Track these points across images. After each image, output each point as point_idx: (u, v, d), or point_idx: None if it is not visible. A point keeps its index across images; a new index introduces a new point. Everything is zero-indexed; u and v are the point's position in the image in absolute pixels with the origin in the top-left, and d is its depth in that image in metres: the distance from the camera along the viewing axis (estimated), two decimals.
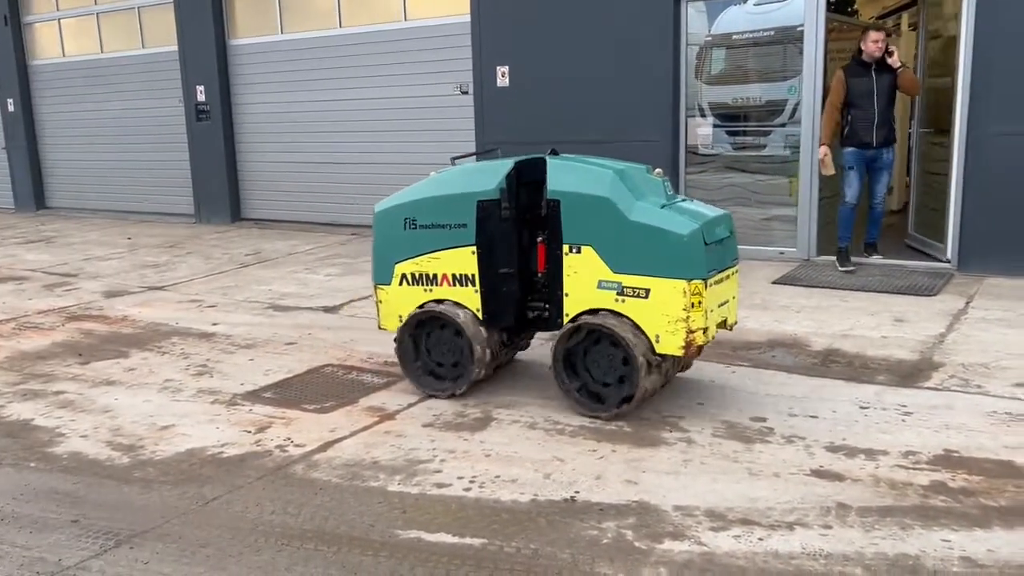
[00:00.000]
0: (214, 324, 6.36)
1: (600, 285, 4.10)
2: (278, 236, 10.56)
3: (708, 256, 3.96)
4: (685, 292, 3.92)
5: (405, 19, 9.94)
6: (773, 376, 4.81)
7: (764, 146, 8.23)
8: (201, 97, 11.56)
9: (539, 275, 4.44)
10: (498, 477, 3.63)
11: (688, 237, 3.91)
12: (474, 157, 8.77)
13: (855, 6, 11.19)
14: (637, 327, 4.04)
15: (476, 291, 4.41)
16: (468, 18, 9.07)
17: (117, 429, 4.34)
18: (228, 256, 9.32)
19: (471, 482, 3.59)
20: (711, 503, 3.34)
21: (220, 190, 11.72)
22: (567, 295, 4.22)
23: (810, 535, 3.07)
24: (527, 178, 4.39)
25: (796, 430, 4.02)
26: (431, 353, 4.62)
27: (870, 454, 3.71)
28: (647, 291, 4.00)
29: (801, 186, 7.72)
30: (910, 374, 4.72)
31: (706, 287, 3.95)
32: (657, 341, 4.02)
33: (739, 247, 6.94)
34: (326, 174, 10.90)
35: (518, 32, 8.76)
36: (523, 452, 3.88)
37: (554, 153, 4.42)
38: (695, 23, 8.21)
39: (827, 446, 3.83)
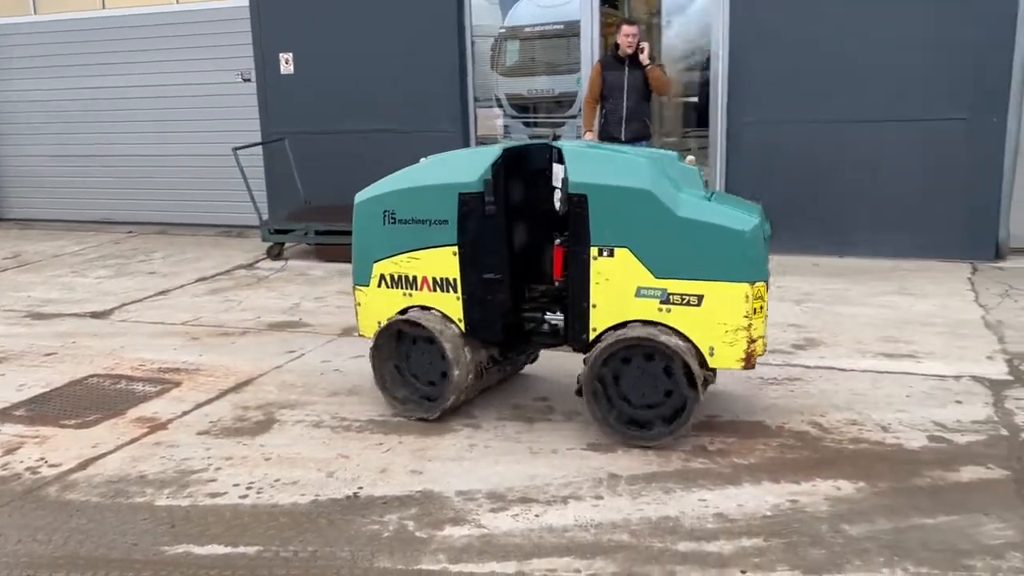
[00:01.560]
0: None
1: (639, 293, 3.55)
2: (43, 236, 9.62)
3: (767, 255, 3.56)
4: (747, 297, 3.43)
5: (176, 1, 9.34)
6: (564, 357, 4.96)
7: (559, 136, 8.50)
8: None
9: (554, 283, 3.86)
10: (278, 481, 3.50)
11: (749, 234, 3.44)
12: (260, 147, 8.52)
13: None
14: (687, 340, 3.55)
15: (458, 298, 3.86)
16: (246, 2, 8.65)
17: None
18: None
19: (248, 488, 3.44)
20: (493, 485, 3.40)
21: None
22: (595, 306, 3.63)
23: (583, 507, 3.21)
24: (527, 168, 3.90)
25: (576, 407, 4.17)
26: (410, 367, 4.07)
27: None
28: (700, 297, 3.47)
29: None
30: None
31: (767, 289, 3.54)
32: (711, 354, 3.53)
33: None
34: (97, 168, 10.06)
35: (301, 18, 8.47)
36: (306, 452, 3.77)
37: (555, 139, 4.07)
38: (488, 15, 8.32)
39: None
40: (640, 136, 7.09)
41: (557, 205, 3.74)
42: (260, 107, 8.84)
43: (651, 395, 3.63)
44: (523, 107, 8.90)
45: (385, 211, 3.93)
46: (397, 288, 4.00)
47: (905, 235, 6.83)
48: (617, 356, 3.63)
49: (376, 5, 8.15)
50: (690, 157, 3.89)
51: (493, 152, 3.77)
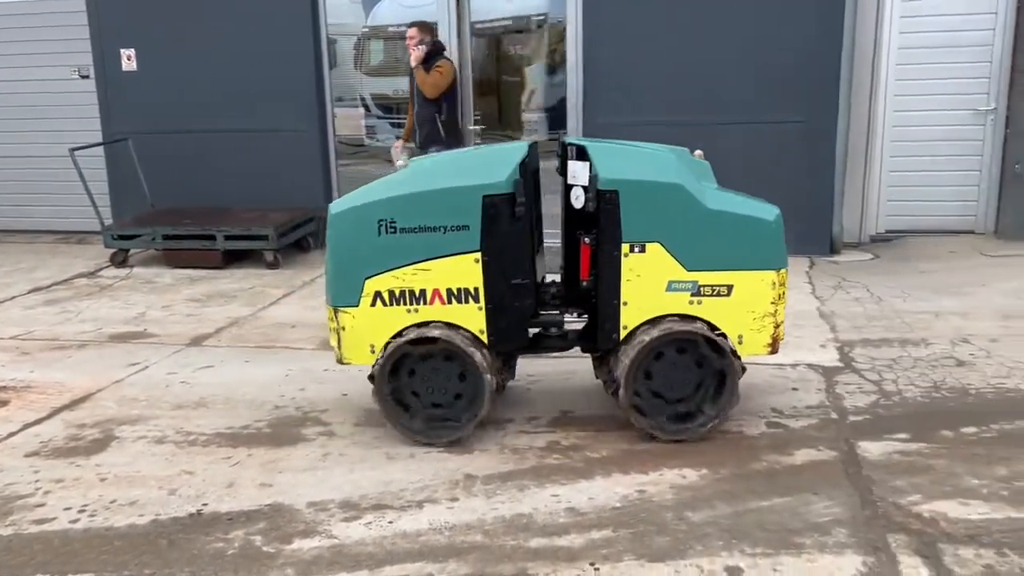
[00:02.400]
0: None
1: (670, 287, 3.56)
2: None
3: None
4: (775, 283, 3.58)
5: None
6: None
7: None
8: None
9: (582, 283, 3.68)
10: (114, 502, 3.29)
11: (775, 222, 3.58)
12: (102, 148, 8.03)
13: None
14: (716, 330, 3.60)
15: (480, 308, 3.62)
16: None
17: None
18: None
19: (80, 512, 3.22)
20: (346, 494, 3.33)
21: None
22: (625, 304, 3.57)
23: (438, 510, 3.19)
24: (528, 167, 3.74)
25: None
26: (416, 391, 3.74)
27: (499, 424, 3.94)
28: (730, 287, 3.55)
29: None
30: None
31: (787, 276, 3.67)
32: (740, 342, 3.61)
33: None
34: None
35: (144, 12, 8.03)
36: (147, 470, 3.57)
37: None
38: (350, 13, 8.15)
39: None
40: (431, 140, 6.89)
41: (578, 204, 3.62)
42: (100, 106, 8.33)
43: (684, 387, 3.66)
44: (389, 107, 8.77)
45: (381, 220, 3.56)
46: (399, 304, 3.63)
47: None
48: (652, 353, 3.59)
49: (225, 1, 7.84)
50: (698, 151, 3.88)
51: (518, 150, 3.61)
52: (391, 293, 3.63)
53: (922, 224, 7.51)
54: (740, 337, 3.62)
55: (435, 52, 6.92)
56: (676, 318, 3.59)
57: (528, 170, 3.64)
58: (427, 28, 7.02)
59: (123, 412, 4.20)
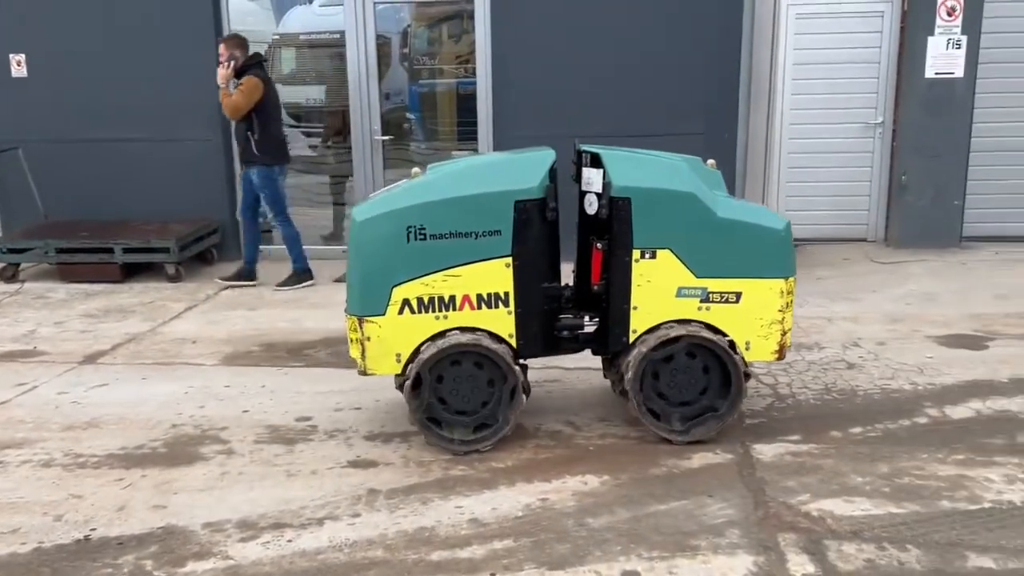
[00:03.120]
0: None
1: (680, 293, 3.64)
2: None
3: None
4: (783, 292, 3.65)
5: None
6: (327, 373, 4.86)
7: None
8: None
9: (594, 287, 3.73)
10: None
11: (784, 232, 3.65)
12: None
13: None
14: (724, 336, 3.66)
15: (510, 312, 3.64)
16: None
17: None
18: None
19: None
20: (244, 513, 3.25)
21: None
22: (635, 308, 3.66)
23: (339, 527, 3.14)
24: None
25: (339, 424, 4.11)
26: (444, 399, 3.74)
27: (404, 437, 3.92)
28: (738, 295, 3.64)
29: (357, 188, 7.94)
30: None
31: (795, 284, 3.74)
32: (747, 348, 3.69)
33: (307, 247, 7.00)
34: None
35: (34, 16, 7.69)
36: (32, 496, 3.41)
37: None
38: (261, 20, 7.98)
39: (366, 435, 3.97)
40: (245, 160, 6.69)
41: (591, 210, 3.67)
42: None
43: (691, 391, 3.74)
44: (299, 116, 8.63)
45: (410, 227, 3.56)
46: (427, 312, 3.64)
47: None
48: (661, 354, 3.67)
49: (123, 5, 7.57)
50: (711, 161, 3.96)
51: (547, 157, 3.66)
52: (420, 300, 3.64)
53: (818, 232, 7.84)
54: (748, 343, 3.70)
55: (245, 68, 6.50)
56: (678, 324, 3.67)
57: (556, 176, 3.70)
58: (237, 43, 6.57)
59: (7, 435, 4.00)
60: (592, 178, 3.68)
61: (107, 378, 4.80)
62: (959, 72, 7.27)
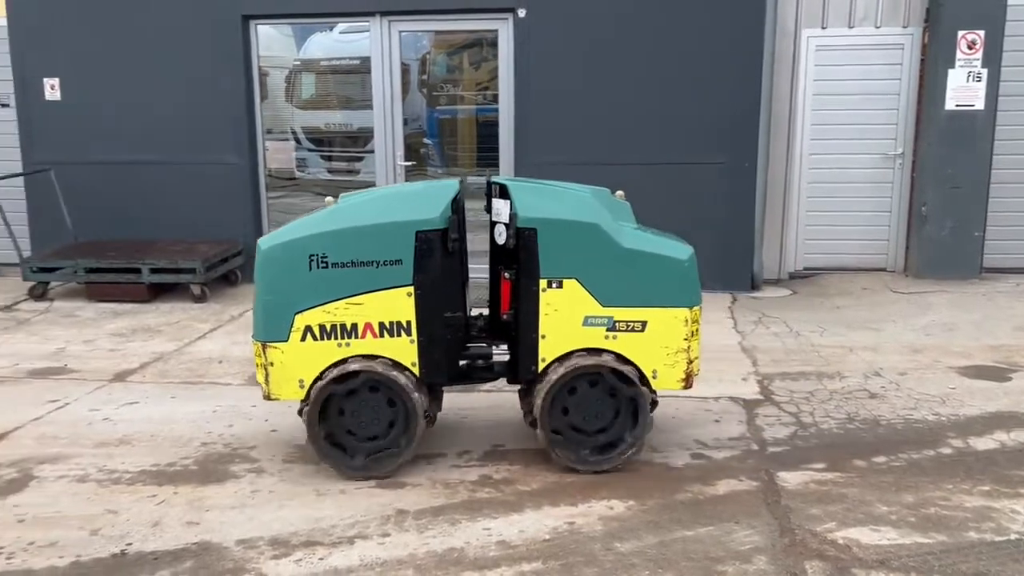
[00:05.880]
0: None
1: (587, 322, 3.68)
2: None
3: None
4: (687, 320, 3.69)
5: None
6: None
7: (358, 171, 8.43)
8: None
9: (503, 316, 3.79)
10: (32, 544, 3.19)
11: (688, 262, 3.70)
12: (22, 178, 7.80)
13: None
14: (631, 364, 3.72)
15: (412, 341, 3.68)
16: (4, 21, 7.94)
17: None
18: None
19: None
20: (276, 531, 3.31)
21: None
22: (543, 337, 3.70)
23: (369, 546, 3.19)
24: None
25: None
26: (344, 423, 3.76)
27: (429, 457, 3.97)
28: (644, 323, 3.68)
29: None
30: None
31: (700, 313, 3.79)
32: (654, 377, 3.74)
33: None
34: None
35: (69, 41, 7.88)
36: (69, 510, 3.48)
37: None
38: (282, 46, 8.15)
39: None
40: None
41: (500, 239, 3.73)
42: (21, 135, 8.11)
43: (602, 419, 3.79)
44: (320, 141, 8.78)
45: (312, 255, 3.61)
46: (329, 339, 3.67)
47: None
48: (567, 385, 3.73)
49: (156, 32, 7.75)
50: (619, 192, 4.02)
51: (450, 187, 3.71)
52: (322, 327, 3.67)
53: (837, 262, 7.88)
54: (655, 372, 3.75)
55: None
56: (586, 353, 3.72)
57: (460, 207, 3.76)
58: None
59: (42, 450, 4.07)
60: (500, 209, 3.74)
61: (137, 396, 4.88)
62: (979, 104, 7.32)
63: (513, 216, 3.64)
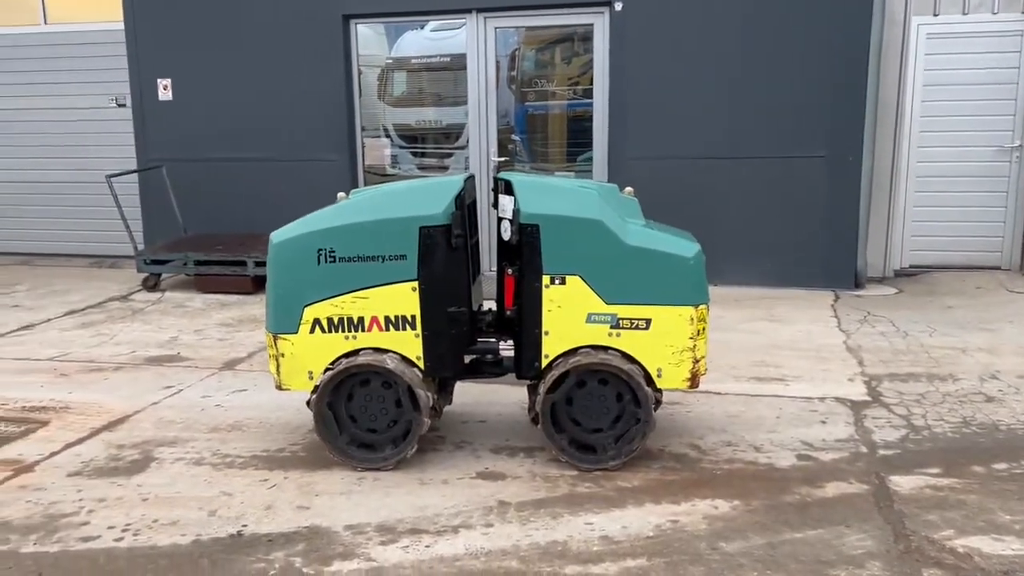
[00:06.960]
0: None
1: (590, 319, 3.68)
2: None
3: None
4: (692, 319, 3.65)
5: (45, 22, 8.93)
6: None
7: (447, 168, 8.55)
8: None
9: (507, 312, 3.82)
10: (156, 521, 3.36)
11: (694, 260, 3.65)
12: (136, 175, 8.22)
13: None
14: (635, 362, 3.70)
15: (417, 335, 3.74)
16: (122, 25, 8.36)
17: None
18: None
19: (124, 531, 3.29)
20: (382, 517, 3.39)
21: None
22: (547, 334, 3.71)
23: (473, 535, 3.23)
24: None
25: (465, 436, 4.22)
26: (355, 417, 3.86)
27: (529, 452, 3.99)
28: (648, 321, 3.65)
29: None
30: None
31: (708, 312, 3.74)
32: (659, 376, 3.70)
33: None
34: None
35: (181, 43, 8.26)
36: (187, 491, 3.64)
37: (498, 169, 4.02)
38: (376, 45, 8.33)
39: (492, 448, 4.06)
40: None
41: (506, 236, 3.77)
42: (136, 133, 8.53)
43: (602, 419, 3.78)
44: (411, 138, 8.93)
45: (320, 250, 3.70)
46: (337, 332, 3.76)
47: (772, 265, 7.25)
48: (570, 380, 3.73)
49: (260, 33, 8.04)
50: (628, 188, 4.01)
51: (454, 184, 3.75)
52: (329, 320, 3.76)
53: (946, 259, 7.55)
54: (659, 371, 3.70)
55: None
56: (591, 350, 3.69)
57: (464, 203, 3.78)
58: None
59: (161, 434, 4.28)
60: (505, 205, 3.75)
61: (246, 384, 5.08)
62: None
63: (516, 212, 3.66)
